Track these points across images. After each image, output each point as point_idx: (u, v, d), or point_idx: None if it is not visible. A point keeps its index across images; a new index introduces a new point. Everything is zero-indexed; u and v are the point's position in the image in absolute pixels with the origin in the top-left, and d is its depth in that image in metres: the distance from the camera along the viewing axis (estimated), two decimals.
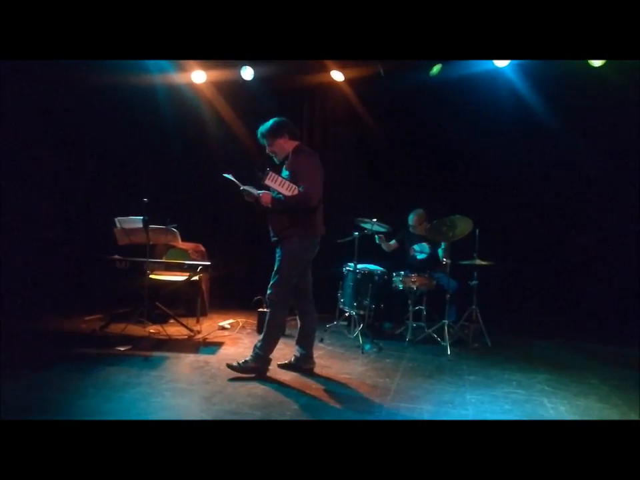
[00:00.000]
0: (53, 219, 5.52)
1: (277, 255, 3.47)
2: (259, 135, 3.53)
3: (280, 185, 3.30)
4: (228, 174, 3.47)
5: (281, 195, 3.33)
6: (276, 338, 3.45)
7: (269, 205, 3.36)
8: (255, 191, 3.41)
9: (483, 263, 4.67)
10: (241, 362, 3.40)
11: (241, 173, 3.52)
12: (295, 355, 3.64)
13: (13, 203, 5.10)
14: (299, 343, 3.63)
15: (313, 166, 3.44)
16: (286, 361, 3.67)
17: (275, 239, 3.46)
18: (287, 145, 3.48)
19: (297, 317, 3.66)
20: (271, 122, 3.50)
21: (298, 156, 3.43)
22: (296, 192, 3.28)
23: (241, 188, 3.44)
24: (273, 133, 3.46)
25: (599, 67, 4.93)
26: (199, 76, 5.98)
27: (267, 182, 3.30)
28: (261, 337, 3.45)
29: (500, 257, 5.04)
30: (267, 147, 3.52)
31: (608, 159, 5.31)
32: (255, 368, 3.38)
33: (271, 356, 3.44)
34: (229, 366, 3.39)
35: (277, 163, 3.56)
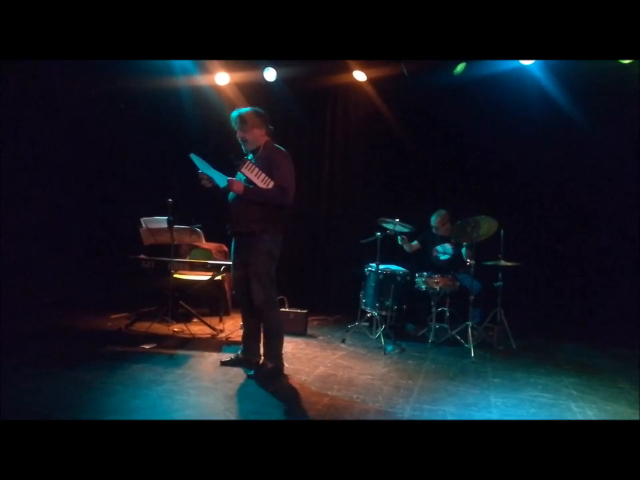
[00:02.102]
0: (81, 220, 5.66)
1: (236, 248, 3.46)
2: (235, 117, 3.41)
3: (256, 175, 3.25)
4: (196, 155, 3.38)
5: (251, 186, 3.28)
6: (282, 335, 3.46)
7: (241, 194, 3.27)
8: (221, 177, 3.32)
9: (508, 263, 4.60)
10: (261, 370, 3.38)
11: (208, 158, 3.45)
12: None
13: (42, 204, 5.25)
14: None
15: (291, 163, 3.42)
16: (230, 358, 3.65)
17: (238, 230, 3.37)
18: (261, 138, 3.42)
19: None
20: (251, 109, 3.42)
21: (274, 150, 3.41)
22: (270, 185, 3.26)
23: (199, 171, 3.36)
24: (252, 122, 3.37)
25: (628, 63, 4.81)
26: (222, 78, 6.05)
27: (243, 170, 3.26)
28: (266, 340, 3.43)
29: (525, 257, 4.96)
30: (238, 132, 3.41)
31: (636, 160, 5.18)
32: (274, 367, 3.40)
33: (283, 351, 3.45)
34: (250, 376, 3.33)
35: (244, 151, 3.48)
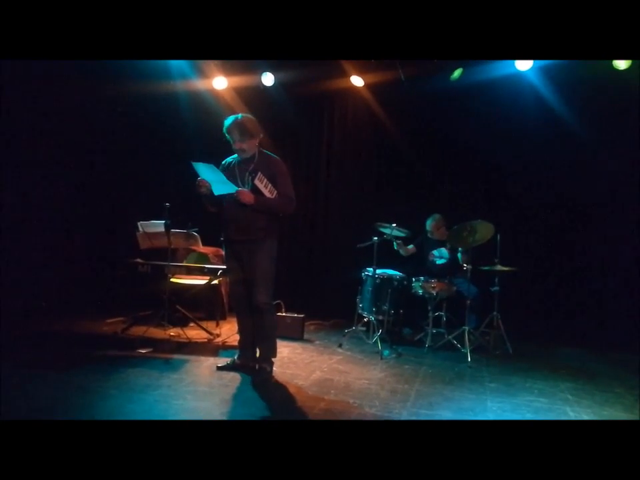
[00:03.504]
0: (78, 223, 5.64)
1: (234, 253, 3.45)
2: (232, 127, 3.36)
3: (265, 186, 3.36)
4: (203, 163, 3.38)
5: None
6: (276, 337, 3.59)
7: (252, 203, 3.29)
8: (228, 185, 3.33)
9: (505, 268, 4.61)
10: (262, 374, 3.41)
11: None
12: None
13: (39, 207, 5.23)
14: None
15: (288, 171, 3.53)
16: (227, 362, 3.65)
17: (244, 238, 3.38)
18: (255, 147, 3.45)
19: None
20: (246, 117, 3.40)
21: (272, 159, 3.46)
22: (274, 195, 3.36)
23: (199, 178, 3.37)
24: (251, 131, 3.37)
25: (624, 69, 4.84)
26: (220, 82, 6.07)
27: (257, 182, 3.35)
28: (263, 343, 3.49)
29: (522, 262, 4.97)
30: (237, 142, 3.38)
31: (633, 164, 5.20)
32: (271, 370, 3.49)
33: (279, 356, 3.61)
34: (254, 383, 3.32)
35: (240, 159, 3.47)
